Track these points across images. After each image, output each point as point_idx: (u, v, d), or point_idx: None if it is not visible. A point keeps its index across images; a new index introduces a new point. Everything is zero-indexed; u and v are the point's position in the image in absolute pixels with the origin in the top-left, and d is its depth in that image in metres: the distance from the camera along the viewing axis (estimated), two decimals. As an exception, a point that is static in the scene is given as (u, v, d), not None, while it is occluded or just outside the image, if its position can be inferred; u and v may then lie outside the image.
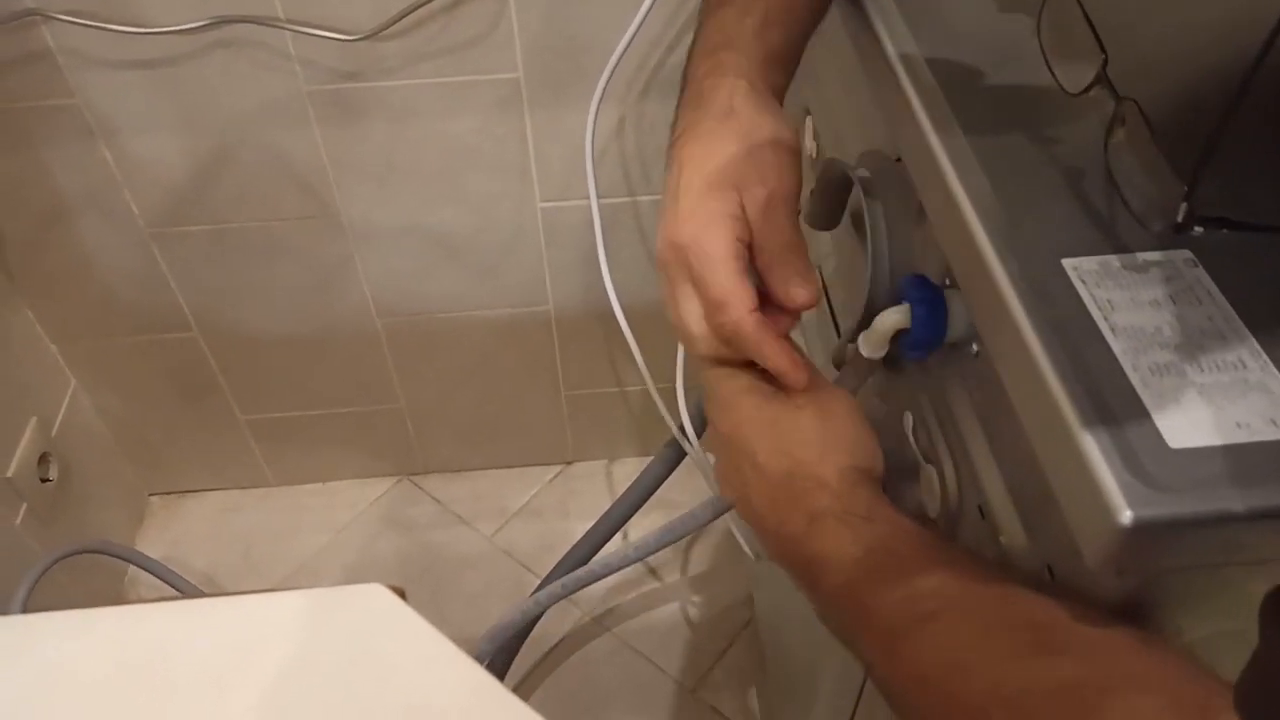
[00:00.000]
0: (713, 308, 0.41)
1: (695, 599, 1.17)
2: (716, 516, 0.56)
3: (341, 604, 0.26)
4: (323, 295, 1.06)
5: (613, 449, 1.30)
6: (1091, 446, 0.29)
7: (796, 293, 0.41)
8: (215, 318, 1.07)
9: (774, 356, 0.42)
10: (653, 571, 1.20)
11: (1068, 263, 0.35)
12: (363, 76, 0.86)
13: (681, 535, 0.56)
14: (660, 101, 0.91)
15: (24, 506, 1.01)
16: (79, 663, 0.29)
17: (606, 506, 1.06)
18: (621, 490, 1.24)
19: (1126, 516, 0.28)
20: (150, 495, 1.29)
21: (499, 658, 0.93)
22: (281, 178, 0.94)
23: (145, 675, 0.28)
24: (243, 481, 1.29)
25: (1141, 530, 0.28)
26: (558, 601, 0.62)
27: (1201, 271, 0.34)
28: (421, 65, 0.86)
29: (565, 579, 0.58)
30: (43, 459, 1.04)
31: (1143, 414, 0.30)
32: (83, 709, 0.28)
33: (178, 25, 0.80)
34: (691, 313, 0.42)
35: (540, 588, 0.80)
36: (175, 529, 1.26)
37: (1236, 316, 0.33)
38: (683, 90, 0.48)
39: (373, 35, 0.82)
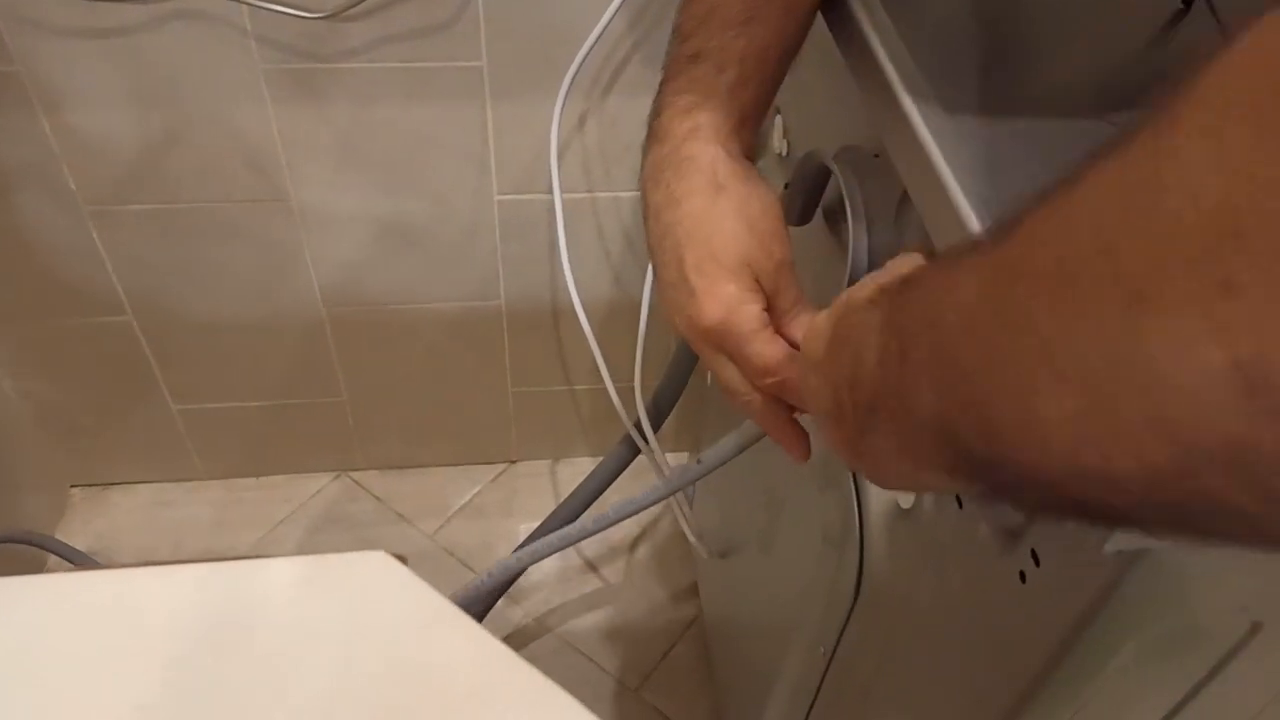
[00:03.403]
0: (757, 374, 0.43)
1: (638, 598, 1.17)
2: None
3: (344, 569, 0.26)
4: (267, 282, 1.03)
5: (558, 449, 1.29)
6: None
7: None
8: (152, 302, 1.03)
9: (786, 435, 0.45)
10: (595, 570, 1.20)
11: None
12: (322, 57, 0.84)
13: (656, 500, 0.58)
14: (624, 98, 0.91)
15: (-61, 494, 0.95)
16: (69, 626, 0.27)
17: (550, 506, 1.06)
18: (565, 490, 1.24)
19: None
20: (72, 487, 1.23)
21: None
22: (231, 158, 0.91)
23: (149, 638, 0.27)
24: (173, 474, 1.24)
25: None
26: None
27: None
28: (383, 48, 0.84)
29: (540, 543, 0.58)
30: (-39, 444, 0.98)
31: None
32: (80, 674, 0.27)
33: (131, -7, 0.77)
34: (732, 377, 0.45)
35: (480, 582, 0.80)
36: (100, 523, 1.21)
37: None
38: (651, 137, 0.48)
39: (335, 15, 0.80)
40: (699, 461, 0.57)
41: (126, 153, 0.89)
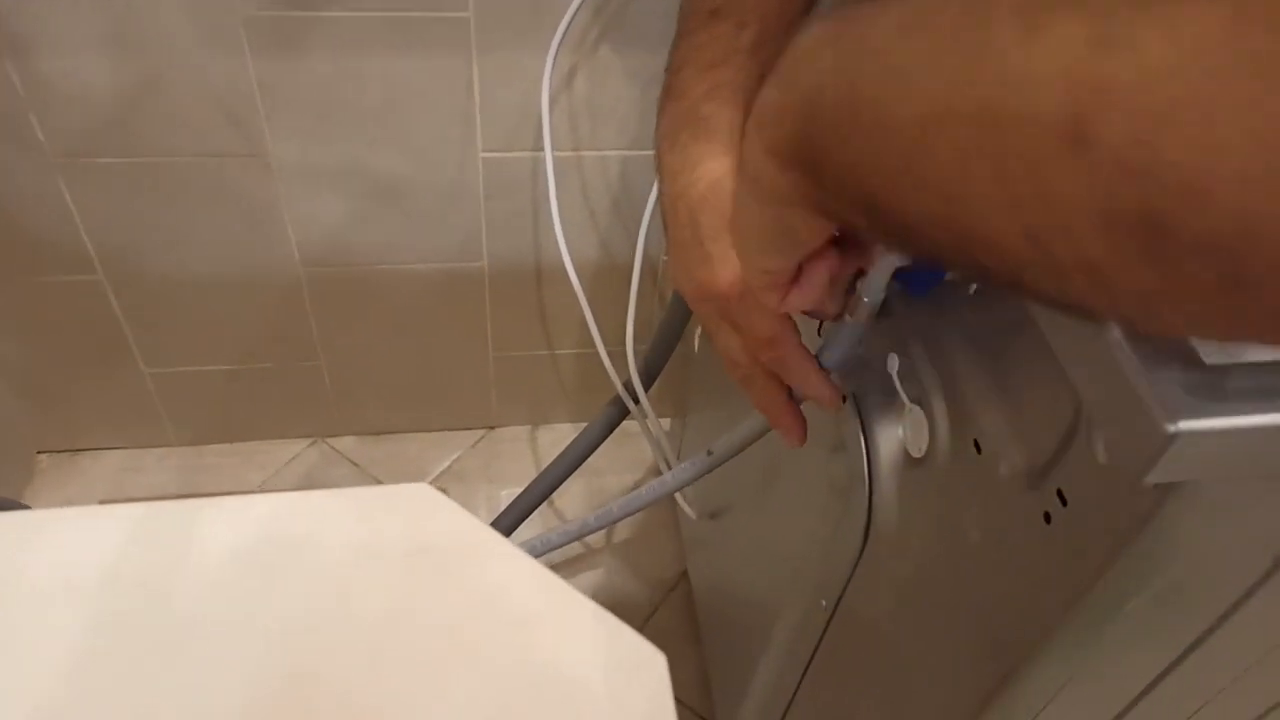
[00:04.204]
0: (760, 346, 0.43)
1: (621, 562, 1.17)
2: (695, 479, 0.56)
3: (390, 500, 0.25)
4: (244, 241, 1.00)
5: (538, 414, 1.28)
6: (1133, 360, 0.30)
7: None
8: (123, 260, 1.00)
9: (817, 385, 0.45)
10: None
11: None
12: (303, 5, 0.82)
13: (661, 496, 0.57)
14: (614, 54, 0.89)
15: (-98, 457, 0.92)
16: (131, 559, 0.26)
17: (530, 472, 1.05)
18: (546, 456, 1.23)
19: (1173, 424, 0.28)
20: (39, 453, 1.20)
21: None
22: (208, 110, 0.88)
23: (204, 570, 0.26)
24: (143, 440, 1.21)
25: (1186, 438, 0.28)
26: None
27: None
28: (368, -3, 0.82)
29: (539, 538, 0.57)
30: (-76, 406, 0.95)
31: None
32: (142, 603, 0.26)
33: (105, -67, 0.74)
34: (734, 347, 0.45)
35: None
36: (69, 489, 1.18)
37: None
38: (668, 93, 0.47)
39: (319, -40, 0.77)
40: (709, 453, 0.56)
41: (98, 103, 0.86)
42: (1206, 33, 0.16)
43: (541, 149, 0.94)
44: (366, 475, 1.23)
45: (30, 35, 0.81)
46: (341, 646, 0.24)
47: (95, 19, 0.80)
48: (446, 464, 1.25)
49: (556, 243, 0.86)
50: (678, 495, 0.96)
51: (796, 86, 0.29)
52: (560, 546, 0.71)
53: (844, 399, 0.52)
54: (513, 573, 0.24)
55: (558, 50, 0.78)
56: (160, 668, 0.25)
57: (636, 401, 0.87)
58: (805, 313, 0.46)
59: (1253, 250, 0.17)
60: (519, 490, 0.98)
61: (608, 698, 0.23)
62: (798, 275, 0.38)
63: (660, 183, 0.47)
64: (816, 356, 0.46)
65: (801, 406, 0.48)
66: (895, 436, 0.49)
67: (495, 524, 0.97)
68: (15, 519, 0.32)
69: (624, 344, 0.90)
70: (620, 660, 0.24)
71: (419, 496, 0.25)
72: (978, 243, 0.22)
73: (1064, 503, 0.36)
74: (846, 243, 0.38)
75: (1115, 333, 0.30)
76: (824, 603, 0.58)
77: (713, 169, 0.44)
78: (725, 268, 0.43)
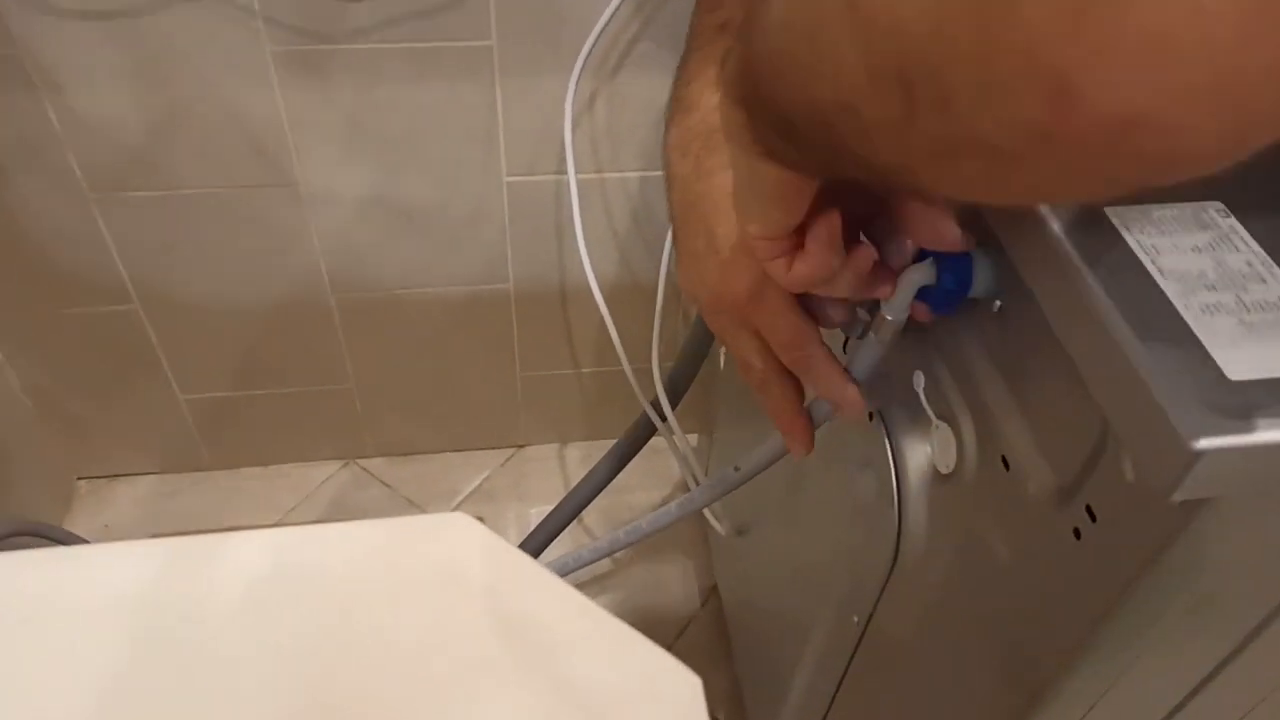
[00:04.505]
0: (783, 347, 0.44)
1: (651, 578, 1.17)
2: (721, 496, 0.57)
3: (430, 531, 0.25)
4: (274, 268, 1.02)
5: (566, 432, 1.29)
6: (1157, 377, 0.30)
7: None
8: (158, 290, 1.02)
9: (841, 387, 0.45)
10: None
11: (1110, 209, 0.36)
12: (330, 38, 0.84)
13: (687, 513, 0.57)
14: (633, 77, 0.90)
15: (-52, 486, 0.95)
16: (170, 589, 0.27)
17: (559, 489, 1.06)
18: (574, 474, 1.24)
19: (1198, 442, 0.28)
20: (78, 479, 1.23)
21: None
22: (238, 142, 0.90)
23: (241, 603, 0.26)
24: (178, 465, 1.23)
25: (1211, 456, 0.29)
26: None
27: (1234, 220, 0.36)
28: (392, 29, 0.84)
29: (571, 555, 0.57)
30: (-31, 436, 0.98)
31: (1200, 349, 0.31)
32: (185, 635, 0.26)
33: (138, -26, 0.76)
34: (751, 352, 0.45)
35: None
36: (106, 514, 1.20)
37: (1273, 261, 0.34)
38: (677, 106, 0.48)
39: (345, -6, 0.79)
40: (736, 469, 0.56)
41: (131, 137, 0.88)
42: None
43: (564, 172, 0.95)
44: (398, 496, 1.24)
45: (66, 73, 0.83)
46: (378, 678, 0.25)
47: (128, 57, 0.82)
48: (476, 483, 1.26)
49: (581, 263, 0.87)
50: (706, 511, 0.97)
51: (748, 36, 0.32)
52: (592, 562, 0.71)
53: (870, 416, 0.52)
54: (549, 600, 0.24)
55: (579, 77, 0.80)
56: (198, 699, 0.26)
57: (664, 418, 0.88)
58: (831, 325, 0.46)
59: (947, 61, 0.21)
60: (548, 508, 0.99)
61: (644, 721, 0.24)
62: (801, 243, 0.38)
63: (670, 193, 0.48)
64: (810, 405, 0.46)
65: (828, 423, 0.49)
66: (923, 453, 0.50)
67: (526, 543, 0.98)
68: (55, 552, 0.33)
69: (650, 361, 0.91)
70: (655, 684, 0.25)
71: (456, 526, 0.26)
72: (816, 113, 0.27)
73: (1093, 519, 0.36)
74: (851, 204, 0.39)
75: (1140, 347, 0.31)
76: (855, 618, 0.58)
77: (726, 180, 0.44)
78: (742, 275, 0.43)
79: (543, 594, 0.24)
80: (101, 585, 0.28)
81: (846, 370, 0.45)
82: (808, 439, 0.47)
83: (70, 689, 0.26)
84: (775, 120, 0.31)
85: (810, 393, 0.48)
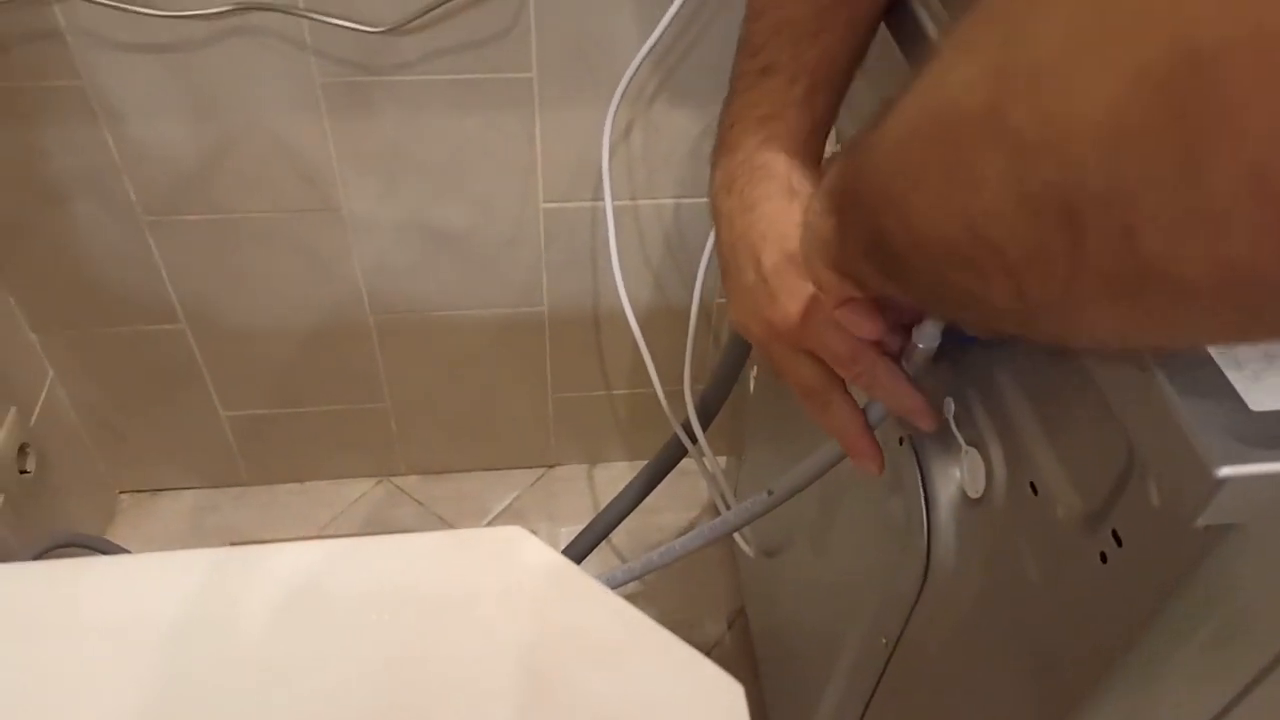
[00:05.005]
0: (843, 362, 0.44)
1: (679, 599, 1.18)
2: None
3: (486, 543, 0.27)
4: (317, 290, 1.05)
5: (596, 453, 1.31)
6: (1182, 407, 0.31)
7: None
8: (205, 310, 1.06)
9: (909, 397, 0.45)
10: (636, 574, 1.21)
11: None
12: (377, 70, 0.87)
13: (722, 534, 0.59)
14: (668, 107, 0.93)
15: (1, 498, 0.98)
16: (226, 599, 0.29)
17: (589, 510, 1.07)
18: (604, 494, 1.26)
19: (1221, 470, 0.30)
20: (121, 493, 1.26)
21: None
22: (286, 169, 0.93)
23: (299, 611, 0.28)
24: (218, 480, 1.26)
25: (1234, 483, 0.30)
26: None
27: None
28: (437, 61, 0.87)
29: (605, 576, 0.59)
30: (22, 450, 1.01)
31: (1223, 381, 0.32)
32: (245, 643, 0.28)
33: (198, 10, 0.79)
34: (812, 376, 0.45)
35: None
36: (148, 528, 1.23)
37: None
38: (722, 147, 0.49)
39: (394, 29, 0.82)
40: (769, 492, 0.58)
41: (184, 164, 0.92)
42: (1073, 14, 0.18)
43: (600, 198, 0.97)
44: (430, 513, 1.26)
45: (124, 103, 0.87)
46: (434, 687, 0.27)
47: (184, 87, 0.86)
48: (507, 502, 1.28)
49: (615, 287, 0.89)
50: (736, 534, 0.98)
51: (859, 151, 0.32)
52: (625, 584, 0.73)
53: (900, 441, 0.54)
54: (599, 611, 0.26)
55: (618, 106, 0.82)
56: (261, 701, 0.27)
57: (694, 440, 0.90)
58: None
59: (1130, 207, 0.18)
60: (578, 528, 1.00)
61: (691, 726, 0.25)
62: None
63: (718, 230, 0.49)
64: (865, 410, 0.47)
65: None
66: (953, 478, 0.51)
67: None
68: (103, 562, 0.35)
69: (681, 384, 0.92)
70: (700, 691, 0.26)
71: (511, 538, 0.28)
72: (934, 249, 0.24)
73: (1119, 543, 0.37)
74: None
75: (1164, 377, 0.32)
76: (884, 640, 0.59)
77: (771, 210, 0.46)
78: (793, 299, 0.44)
79: (594, 605, 0.26)
80: (155, 593, 0.30)
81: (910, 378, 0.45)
82: (877, 454, 0.47)
83: (118, 691, 0.28)
84: (874, 250, 0.28)
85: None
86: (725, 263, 0.48)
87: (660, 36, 0.79)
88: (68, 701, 0.28)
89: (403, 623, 0.27)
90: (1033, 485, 0.43)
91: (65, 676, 0.28)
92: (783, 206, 0.46)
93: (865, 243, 0.29)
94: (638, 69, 0.80)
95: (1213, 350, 0.33)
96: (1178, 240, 0.17)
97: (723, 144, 0.50)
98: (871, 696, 0.65)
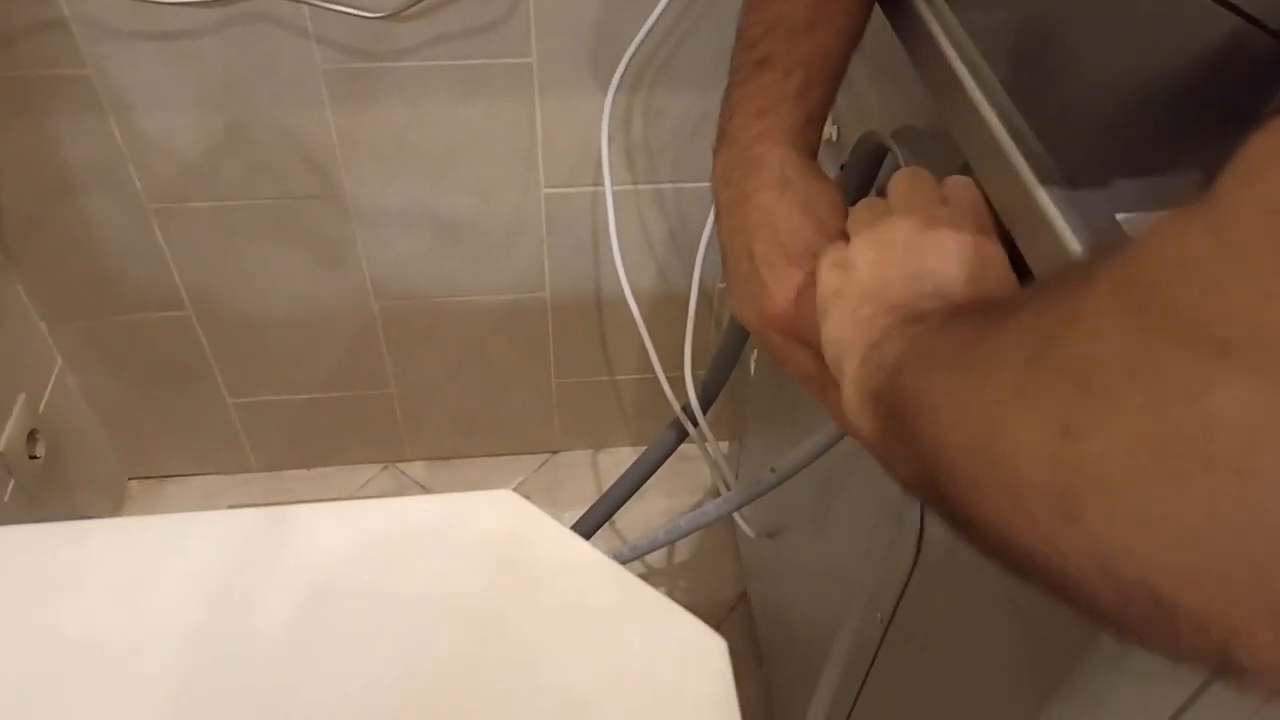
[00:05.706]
0: None
1: (682, 581, 1.19)
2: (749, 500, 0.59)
3: (479, 506, 0.28)
4: (322, 277, 1.06)
5: (598, 439, 1.32)
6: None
7: None
8: (211, 298, 1.07)
9: None
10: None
11: (1122, 217, 0.38)
12: (378, 56, 0.87)
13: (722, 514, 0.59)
14: (668, 92, 0.93)
15: (12, 483, 0.99)
16: (220, 560, 0.30)
17: (592, 495, 1.08)
18: (607, 479, 1.27)
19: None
20: (130, 479, 1.27)
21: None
22: (290, 157, 0.94)
23: (294, 575, 0.29)
24: (226, 467, 1.28)
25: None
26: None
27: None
28: (437, 47, 0.87)
29: (611, 553, 0.60)
30: (31, 436, 1.02)
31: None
32: (243, 600, 0.29)
33: (200, -2, 0.80)
34: (807, 363, 0.46)
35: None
36: (156, 513, 1.25)
37: None
38: (722, 138, 0.50)
39: (394, 15, 0.83)
40: (772, 470, 0.59)
41: (190, 152, 0.93)
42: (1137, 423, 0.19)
43: (600, 184, 0.98)
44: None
45: (129, 91, 0.88)
46: (430, 638, 0.28)
47: (185, 76, 0.87)
48: (511, 487, 1.29)
49: (616, 273, 0.90)
50: (736, 515, 0.99)
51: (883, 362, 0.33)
52: (630, 561, 0.74)
53: None
54: (587, 570, 0.27)
55: (615, 92, 0.83)
56: (274, 658, 0.28)
57: (695, 424, 0.90)
58: None
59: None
60: (581, 512, 1.01)
61: (673, 682, 0.26)
62: None
63: (717, 220, 0.50)
64: None
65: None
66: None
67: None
68: (136, 523, 0.36)
69: (682, 369, 0.93)
70: (685, 647, 0.27)
71: (505, 502, 0.29)
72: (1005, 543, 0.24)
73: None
74: None
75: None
76: (879, 615, 0.60)
77: (763, 200, 0.47)
78: (783, 288, 0.45)
79: (582, 563, 0.27)
80: (182, 551, 0.31)
81: None
82: None
83: (150, 647, 0.29)
84: (922, 489, 0.29)
85: None
86: (724, 252, 0.49)
87: (657, 20, 0.79)
88: (105, 654, 0.29)
89: (391, 583, 0.28)
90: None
91: (79, 639, 0.29)
92: (774, 198, 0.47)
93: (913, 473, 0.29)
94: (635, 53, 0.81)
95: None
96: (1255, 653, 0.19)
97: (722, 135, 0.50)
98: (868, 673, 0.66)
